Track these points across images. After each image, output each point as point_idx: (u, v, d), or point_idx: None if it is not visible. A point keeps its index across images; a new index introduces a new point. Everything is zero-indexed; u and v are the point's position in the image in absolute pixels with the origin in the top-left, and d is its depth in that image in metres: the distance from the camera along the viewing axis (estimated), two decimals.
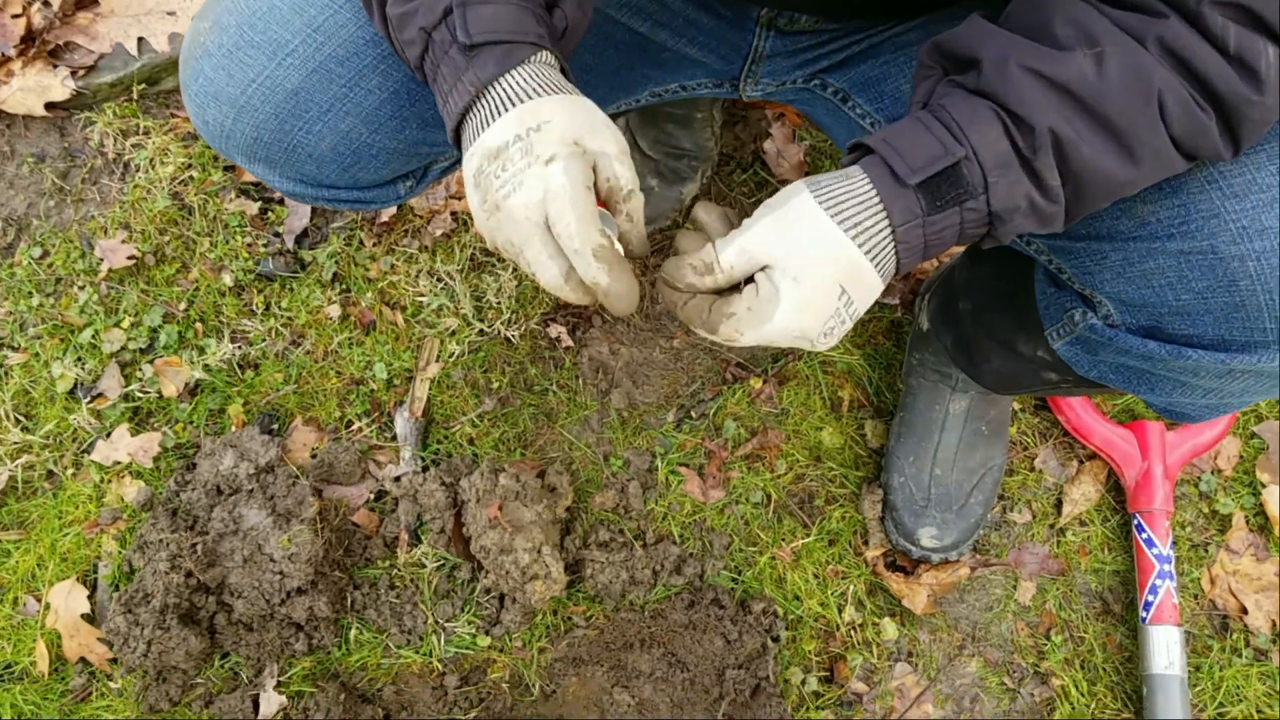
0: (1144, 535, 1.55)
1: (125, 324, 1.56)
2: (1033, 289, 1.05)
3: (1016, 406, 1.65)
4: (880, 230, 0.75)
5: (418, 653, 1.44)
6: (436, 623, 1.46)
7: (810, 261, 0.75)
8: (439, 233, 1.61)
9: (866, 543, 1.57)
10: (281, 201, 1.66)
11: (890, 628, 1.54)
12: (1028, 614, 1.58)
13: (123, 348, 1.55)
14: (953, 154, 0.72)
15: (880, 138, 0.76)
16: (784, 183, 1.73)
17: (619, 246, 0.83)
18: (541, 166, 0.76)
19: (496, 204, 0.78)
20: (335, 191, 1.08)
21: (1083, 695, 1.53)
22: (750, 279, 0.79)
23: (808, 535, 1.56)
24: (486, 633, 1.45)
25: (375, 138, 1.01)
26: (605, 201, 0.81)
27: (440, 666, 1.44)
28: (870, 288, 0.77)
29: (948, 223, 0.74)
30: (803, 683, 1.49)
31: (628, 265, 0.78)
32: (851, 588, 1.54)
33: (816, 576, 1.55)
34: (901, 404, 1.58)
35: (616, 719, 1.49)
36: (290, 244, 1.61)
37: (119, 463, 1.50)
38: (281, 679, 1.40)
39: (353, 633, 1.44)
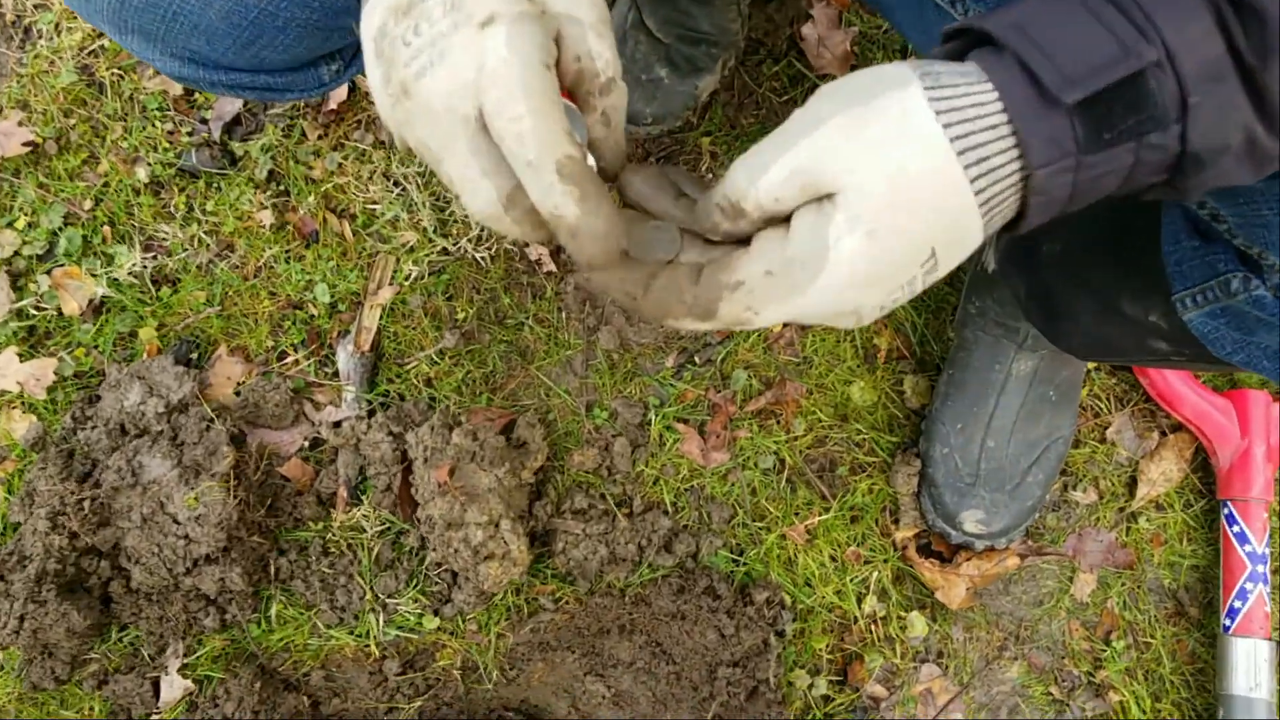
0: (1235, 528, 1.28)
1: (19, 224, 1.30)
2: (1157, 235, 0.75)
3: (1090, 365, 1.36)
4: (1006, 170, 0.46)
5: (352, 633, 1.22)
6: (376, 598, 1.22)
7: (903, 204, 0.46)
8: None
9: (896, 522, 1.31)
10: None
11: (918, 623, 1.29)
12: (1085, 612, 1.33)
13: (15, 254, 1.29)
14: (1137, 57, 0.43)
15: (1011, 22, 0.46)
16: (825, 79, 1.41)
17: (591, 161, 0.56)
18: (474, 31, 0.50)
19: (404, 85, 0.52)
20: (235, 75, 0.82)
21: (1144, 713, 1.28)
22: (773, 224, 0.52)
23: (826, 510, 1.30)
24: (435, 613, 1.22)
25: (279, 4, 0.73)
26: (571, 92, 0.56)
27: (379, 650, 1.21)
28: (965, 249, 0.49)
29: (1111, 165, 0.45)
30: (810, 686, 1.25)
31: (605, 189, 0.51)
32: (875, 575, 1.29)
33: (834, 560, 1.29)
34: (952, 359, 1.29)
35: (589, 712, 1.26)
36: (218, 134, 1.33)
37: (6, 392, 1.26)
38: (188, 660, 1.18)
39: (275, 607, 1.21)
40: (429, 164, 0.55)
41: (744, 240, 0.52)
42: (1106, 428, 1.36)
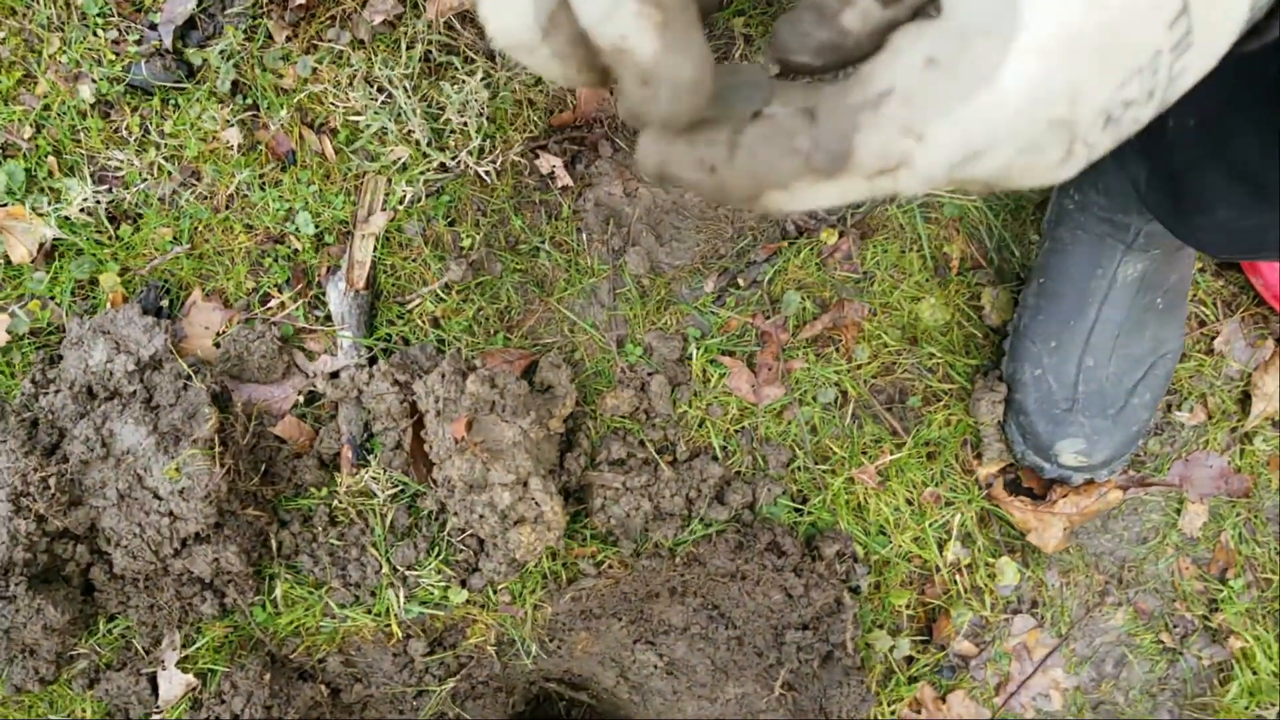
0: None
1: None
2: None
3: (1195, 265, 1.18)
4: None
5: (370, 612, 1.07)
6: (394, 571, 1.07)
7: None
8: (378, 20, 1.11)
9: (979, 457, 1.15)
10: None
11: (1009, 569, 1.13)
12: (1196, 549, 1.17)
13: None
14: None
15: None
16: None
17: None
18: None
19: None
20: None
21: (1270, 659, 1.13)
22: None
23: (899, 447, 1.13)
24: (462, 584, 1.07)
25: None
26: None
27: (401, 630, 1.07)
28: (1231, 16, 0.34)
29: None
30: (891, 648, 1.10)
31: (695, 12, 0.34)
32: (958, 518, 1.13)
33: (910, 503, 1.13)
34: (1041, 264, 1.11)
35: (640, 682, 1.13)
36: (170, 40, 1.13)
37: None
38: (187, 651, 1.04)
39: (280, 588, 1.07)
40: None
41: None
42: (1214, 338, 1.19)
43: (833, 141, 0.33)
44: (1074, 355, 1.08)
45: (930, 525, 1.12)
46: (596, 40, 0.33)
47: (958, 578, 1.13)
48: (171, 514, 1.00)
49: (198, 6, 1.14)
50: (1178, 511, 1.17)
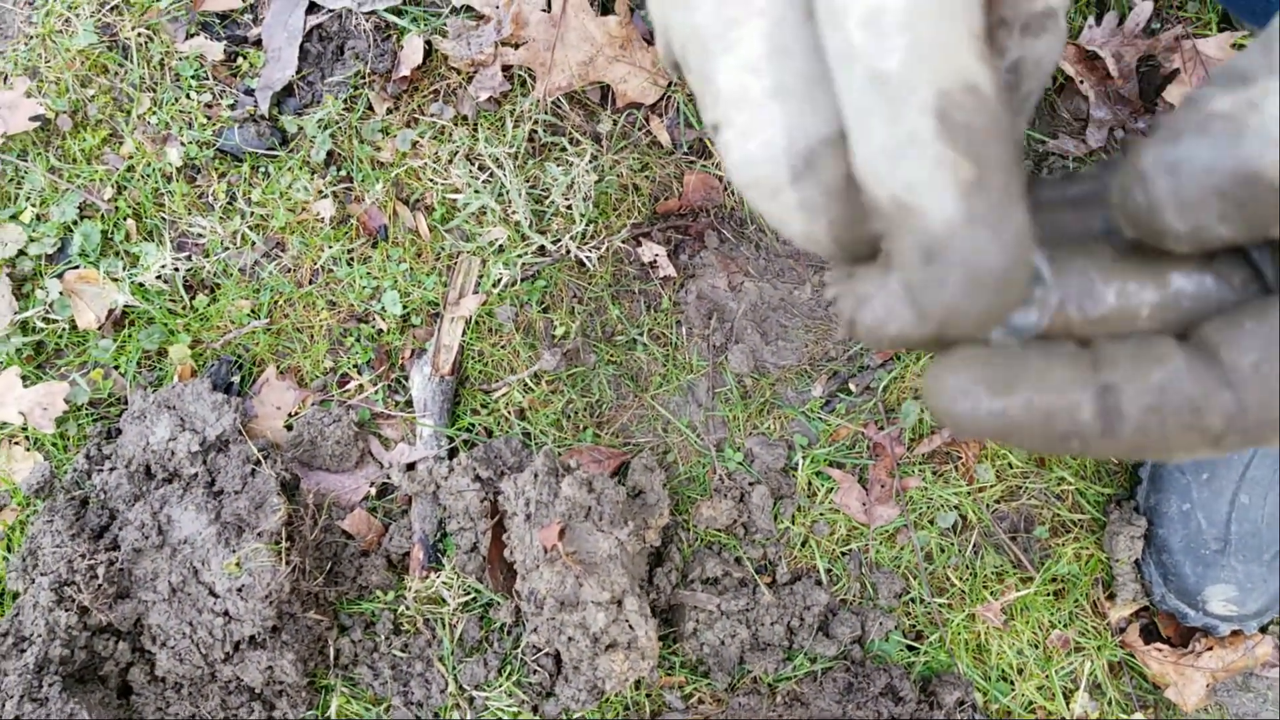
0: None
1: (24, 217, 1.06)
2: None
3: None
4: None
5: None
6: (460, 690, 0.97)
7: None
8: (484, 97, 1.06)
9: (1112, 598, 1.03)
10: (258, 44, 1.12)
11: None
12: None
13: (20, 253, 1.05)
14: None
15: None
16: None
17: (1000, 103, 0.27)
18: None
19: None
20: None
21: None
22: None
23: (1024, 583, 1.03)
24: (534, 710, 0.96)
25: None
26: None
27: None
28: None
29: None
30: None
31: (1021, 172, 0.24)
32: (1087, 665, 1.02)
33: (1035, 647, 1.02)
34: None
35: None
36: (266, 106, 1.08)
37: (6, 424, 1.02)
38: None
39: (336, 702, 0.96)
40: (685, 73, 0.30)
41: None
42: None
43: (1256, 429, 0.24)
44: (1228, 490, 0.98)
45: (1057, 672, 1.01)
46: (870, 188, 0.24)
47: None
48: (227, 613, 0.90)
49: (297, 74, 1.09)
50: None
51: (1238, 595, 0.97)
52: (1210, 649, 1.00)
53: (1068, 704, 1.01)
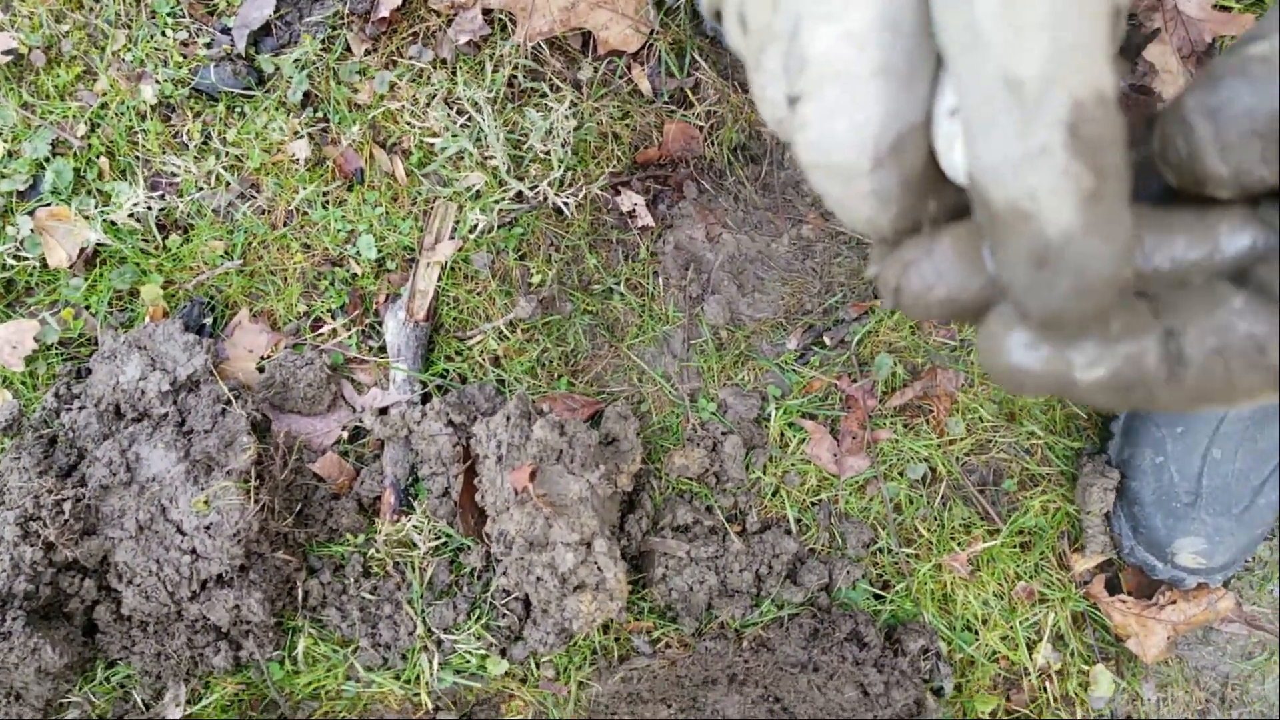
0: None
1: None
2: None
3: None
4: None
5: (399, 678, 0.96)
6: (429, 634, 0.97)
7: None
8: (463, 40, 1.05)
9: (1079, 550, 1.05)
10: None
11: (1104, 679, 1.02)
12: None
13: None
14: None
15: None
16: None
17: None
18: None
19: None
20: None
21: None
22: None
23: (992, 535, 1.04)
24: (502, 654, 0.97)
25: None
26: None
27: (431, 700, 0.96)
28: None
29: None
30: None
31: (1128, 189, 0.24)
32: (1051, 616, 1.03)
33: (1000, 597, 1.03)
34: None
35: None
36: (243, 45, 1.07)
37: None
38: (191, 708, 0.93)
39: (303, 643, 0.96)
40: (736, 31, 0.29)
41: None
42: None
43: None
44: (1201, 444, 0.98)
45: (1021, 623, 1.02)
46: (986, 190, 0.23)
47: (1048, 685, 1.02)
48: (194, 551, 0.90)
49: (275, 12, 1.08)
50: None
51: (1206, 548, 0.98)
52: (1173, 602, 1.01)
53: (1030, 654, 1.02)
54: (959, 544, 1.03)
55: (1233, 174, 0.24)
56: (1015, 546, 1.04)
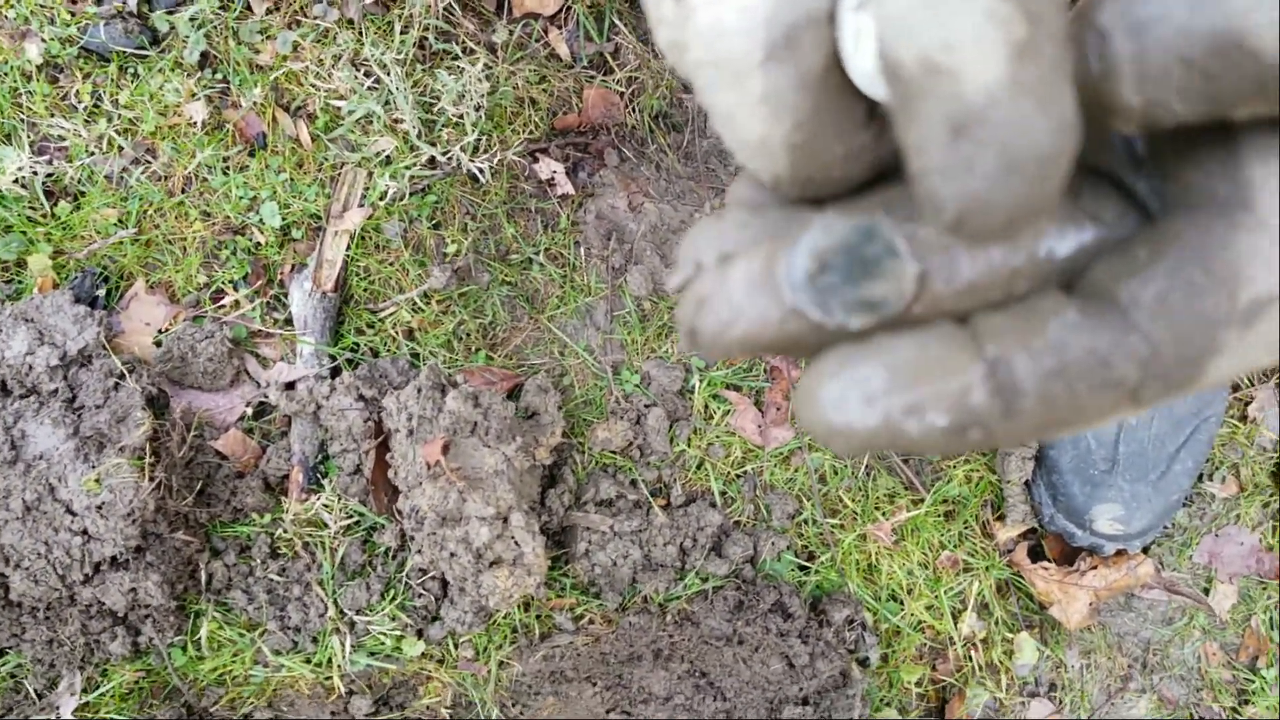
0: None
1: None
2: None
3: None
4: None
5: (309, 661, 0.93)
6: (341, 615, 0.93)
7: None
8: None
9: (1001, 519, 1.04)
10: None
11: (1027, 647, 1.03)
12: (1224, 633, 1.07)
13: None
14: None
15: None
16: None
17: None
18: None
19: None
20: None
21: None
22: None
23: (916, 504, 1.03)
24: (419, 634, 0.94)
25: None
26: None
27: (344, 684, 0.92)
28: None
29: None
30: None
31: (1069, 65, 0.19)
32: (975, 585, 1.03)
33: (924, 567, 1.02)
34: None
35: None
36: (134, 3, 1.01)
37: None
38: (88, 697, 0.88)
39: (207, 628, 0.92)
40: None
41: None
42: (1248, 403, 1.11)
43: (1176, 371, 0.21)
44: None
45: (946, 593, 1.01)
46: (893, 49, 0.19)
47: (973, 653, 1.02)
48: (85, 533, 0.85)
49: None
50: (1205, 591, 1.07)
51: (1124, 514, 0.99)
52: (1094, 568, 1.02)
53: (956, 623, 1.01)
54: (884, 514, 1.02)
55: (1143, 108, 0.20)
56: (939, 516, 1.03)
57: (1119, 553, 1.02)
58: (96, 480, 0.86)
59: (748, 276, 0.22)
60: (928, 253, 0.22)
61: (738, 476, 1.02)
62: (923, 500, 1.03)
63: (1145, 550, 1.05)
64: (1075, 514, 0.99)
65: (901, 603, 1.01)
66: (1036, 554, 1.05)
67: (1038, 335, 0.21)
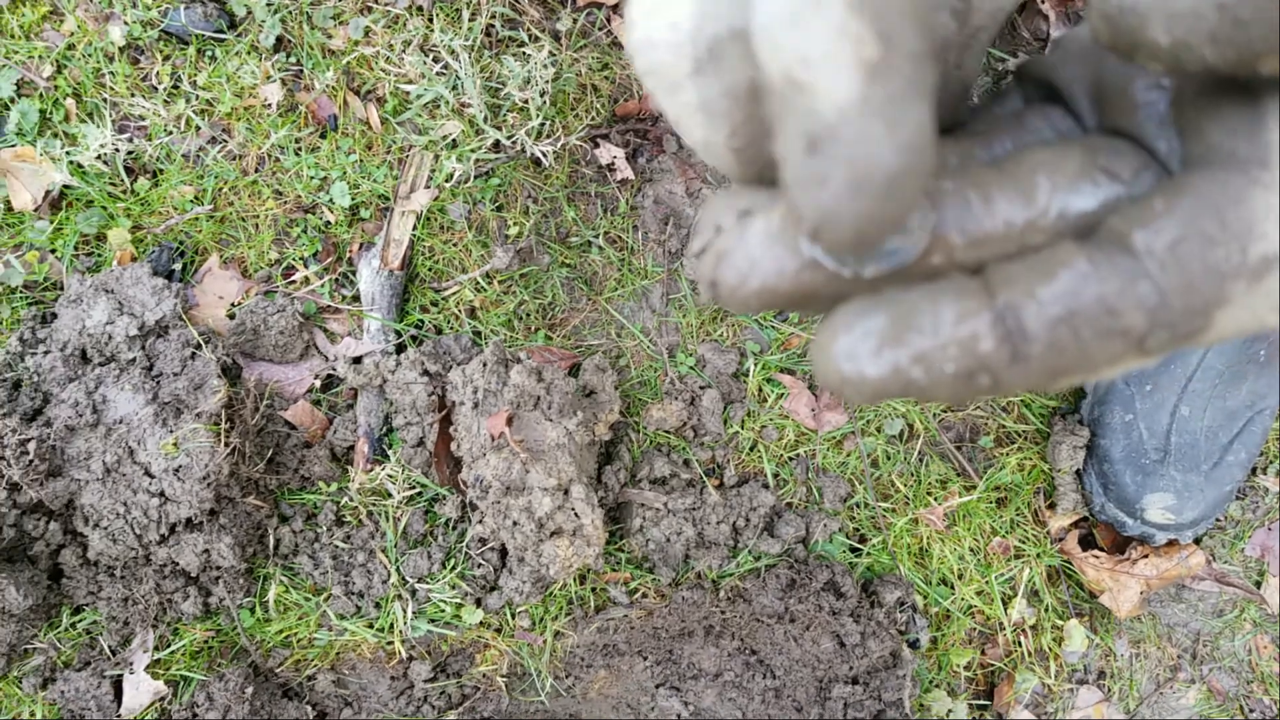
0: None
1: None
2: None
3: None
4: None
5: (372, 626, 0.95)
6: (403, 582, 0.96)
7: None
8: None
9: (1052, 507, 1.05)
10: None
11: (1077, 635, 1.03)
12: (1275, 627, 1.07)
13: None
14: None
15: None
16: None
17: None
18: None
19: None
20: None
21: None
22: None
23: (968, 490, 1.04)
24: (477, 603, 0.96)
25: None
26: None
27: (404, 649, 0.95)
28: None
29: None
30: (949, 712, 0.99)
31: (928, 62, 0.21)
32: (1026, 572, 1.03)
33: (975, 552, 1.03)
34: None
35: None
36: None
37: None
38: (160, 654, 0.91)
39: (274, 591, 0.94)
40: None
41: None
42: None
43: (1183, 321, 0.21)
44: (1170, 401, 0.99)
45: (996, 578, 1.02)
46: (764, 63, 0.20)
47: (1022, 639, 1.02)
48: (162, 494, 0.88)
49: None
50: (1257, 584, 1.07)
51: (1175, 504, 0.99)
52: (1145, 557, 1.02)
53: (1005, 609, 1.02)
54: (935, 499, 1.03)
55: (1170, 48, 0.21)
56: (991, 502, 1.04)
57: (1170, 543, 1.02)
58: (174, 444, 0.89)
59: (765, 230, 0.23)
60: (942, 204, 0.23)
61: (790, 459, 1.04)
62: (975, 486, 1.03)
63: (1197, 541, 1.05)
64: (1126, 503, 1.00)
65: (952, 587, 1.02)
66: (1087, 542, 1.05)
67: (1047, 284, 0.21)
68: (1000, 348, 0.21)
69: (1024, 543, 1.04)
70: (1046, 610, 1.03)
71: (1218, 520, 1.07)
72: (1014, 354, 0.21)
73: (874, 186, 0.20)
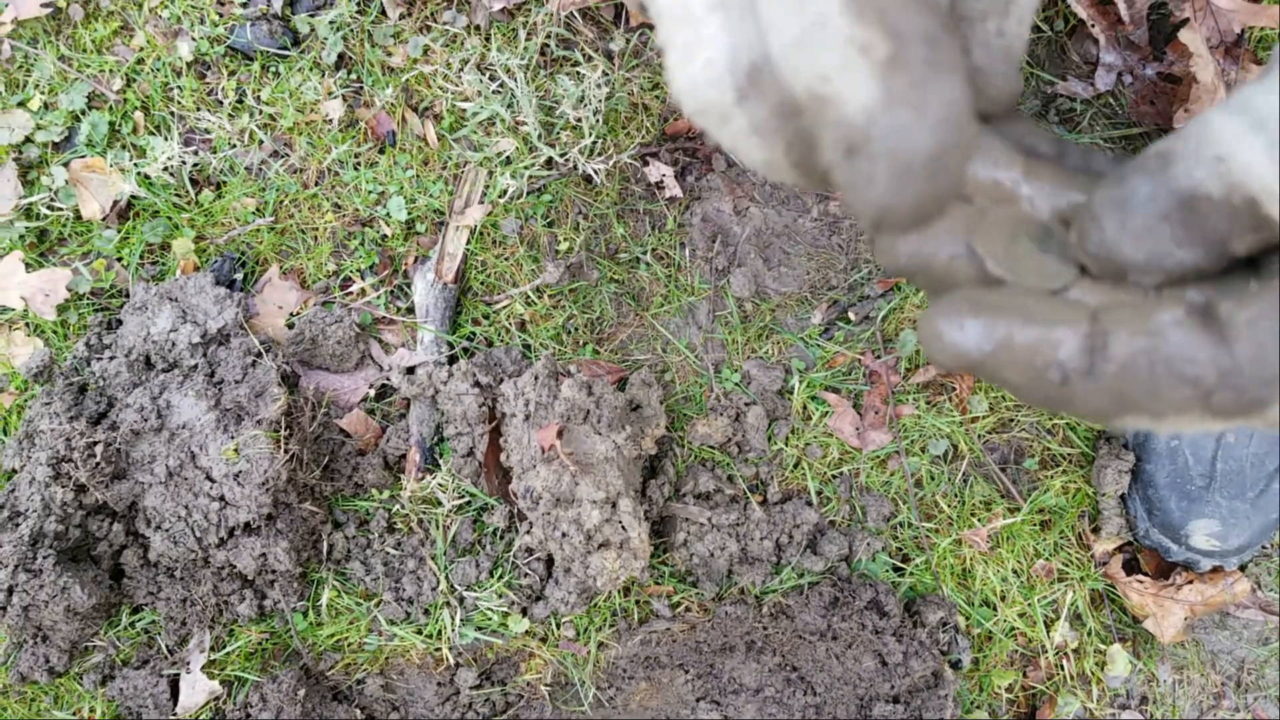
0: None
1: (33, 104, 1.06)
2: None
3: None
4: None
5: (420, 633, 0.97)
6: (451, 590, 0.98)
7: None
8: (497, 7, 1.06)
9: (1097, 531, 1.05)
10: None
11: (1120, 659, 1.03)
12: None
13: (26, 139, 1.05)
14: None
15: None
16: None
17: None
18: None
19: None
20: None
21: None
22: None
23: (1012, 512, 1.04)
24: (524, 612, 0.97)
25: None
26: None
27: (452, 656, 0.97)
28: None
29: None
30: None
31: (957, 58, 0.22)
32: (1069, 595, 1.03)
33: (1018, 574, 1.03)
34: None
35: None
36: (279, 4, 1.08)
37: (6, 309, 1.02)
38: (215, 655, 0.94)
39: (327, 595, 0.97)
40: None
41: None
42: None
43: (1253, 384, 0.23)
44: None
45: (1039, 601, 1.02)
46: (790, 88, 0.22)
47: (1064, 662, 1.02)
48: (223, 498, 0.91)
49: None
50: None
51: (1220, 530, 0.98)
52: (1190, 582, 1.02)
53: (1048, 632, 1.02)
54: (979, 520, 1.03)
55: (1147, 259, 0.24)
56: (1035, 525, 1.04)
57: (1215, 569, 1.02)
58: (235, 450, 0.91)
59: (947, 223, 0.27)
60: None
61: (834, 477, 1.05)
62: (1019, 509, 1.04)
63: (1242, 568, 1.05)
64: (1171, 529, 0.99)
65: (995, 609, 1.02)
66: (1131, 567, 1.05)
67: (1143, 319, 0.24)
68: (1080, 356, 0.23)
69: (1067, 566, 1.04)
70: (1089, 634, 1.03)
71: (1263, 547, 1.07)
72: (1090, 367, 0.23)
73: (918, 169, 0.21)
